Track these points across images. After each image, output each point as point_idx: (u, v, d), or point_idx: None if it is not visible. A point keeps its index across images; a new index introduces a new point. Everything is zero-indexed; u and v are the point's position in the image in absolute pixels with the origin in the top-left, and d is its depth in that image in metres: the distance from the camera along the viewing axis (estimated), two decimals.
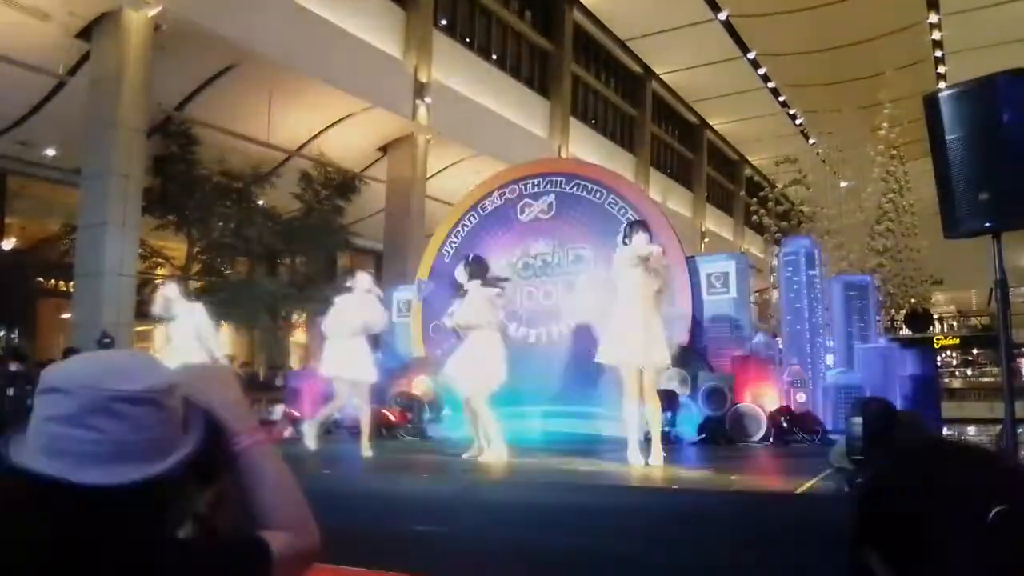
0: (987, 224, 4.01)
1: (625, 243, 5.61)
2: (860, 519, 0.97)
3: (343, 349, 6.75)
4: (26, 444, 0.99)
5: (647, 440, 5.74)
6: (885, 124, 18.95)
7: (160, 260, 14.23)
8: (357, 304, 6.82)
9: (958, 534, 0.87)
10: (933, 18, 19.95)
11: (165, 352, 6.99)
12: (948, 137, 4.04)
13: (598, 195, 8.33)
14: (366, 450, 6.58)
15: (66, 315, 13.23)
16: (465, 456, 6.18)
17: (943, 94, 4.15)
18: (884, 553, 0.92)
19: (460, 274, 6.43)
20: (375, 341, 8.98)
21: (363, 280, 6.92)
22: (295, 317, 16.05)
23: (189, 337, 7.03)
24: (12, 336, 10.18)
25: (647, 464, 5.43)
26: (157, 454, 1.02)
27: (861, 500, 0.99)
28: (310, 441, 6.64)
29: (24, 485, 0.97)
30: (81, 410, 0.98)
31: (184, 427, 1.08)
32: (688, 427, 7.31)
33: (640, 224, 5.80)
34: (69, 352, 11.02)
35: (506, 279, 6.45)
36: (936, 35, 20.75)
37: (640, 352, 5.44)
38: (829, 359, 8.08)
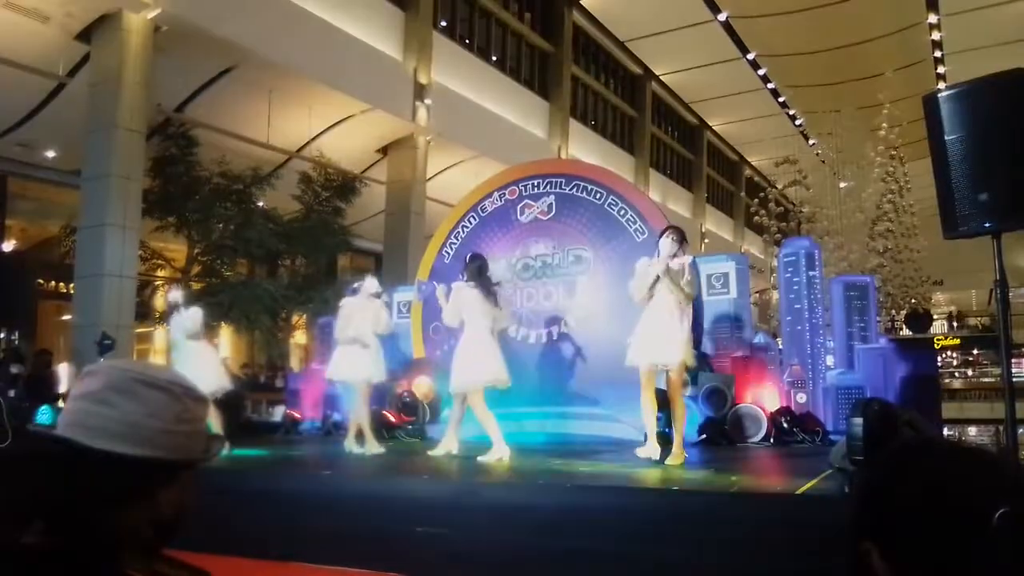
0: (987, 225, 4.02)
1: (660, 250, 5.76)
2: (860, 516, 0.96)
3: (353, 352, 6.81)
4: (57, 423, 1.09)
5: (663, 439, 5.77)
6: (885, 125, 18.97)
7: (160, 262, 14.22)
8: (362, 308, 6.88)
9: (959, 534, 0.87)
10: (932, 18, 19.95)
11: (172, 357, 7.10)
12: (948, 137, 4.05)
13: (598, 196, 8.33)
14: (356, 447, 6.66)
15: (66, 317, 13.24)
16: (431, 453, 6.22)
17: (943, 94, 4.15)
18: (884, 550, 0.91)
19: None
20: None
21: (370, 284, 7.01)
22: (295, 318, 16.05)
23: (198, 340, 7.12)
24: (12, 338, 10.17)
25: (661, 463, 5.48)
26: (168, 447, 1.09)
27: (861, 496, 0.99)
28: (352, 446, 6.76)
29: (43, 449, 1.07)
30: (105, 388, 1.07)
31: (205, 439, 1.17)
32: (688, 427, 7.30)
33: (674, 231, 5.88)
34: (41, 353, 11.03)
35: (496, 283, 6.53)
36: (936, 35, 20.75)
37: (644, 352, 5.55)
38: (829, 360, 8.08)
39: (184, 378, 1.15)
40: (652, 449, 5.62)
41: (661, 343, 5.52)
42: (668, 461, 5.50)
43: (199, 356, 7.01)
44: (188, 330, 7.12)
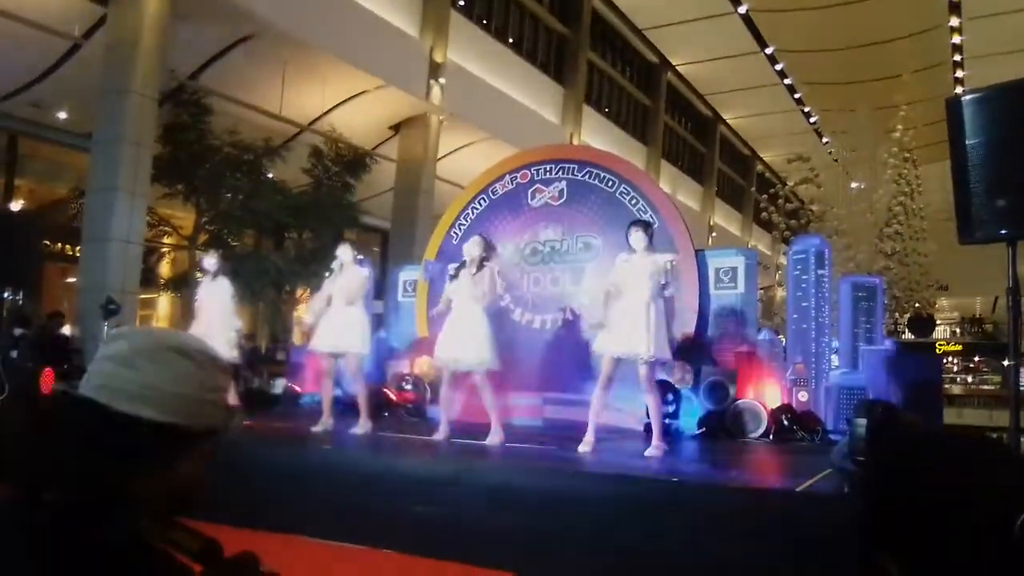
0: (1003, 231, 3.99)
1: (630, 243, 5.78)
2: (872, 522, 0.89)
3: (329, 323, 6.72)
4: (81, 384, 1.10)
5: (647, 431, 5.78)
6: (900, 126, 18.82)
7: (167, 229, 14.22)
8: (341, 276, 6.80)
9: (980, 541, 0.80)
10: (954, 22, 19.78)
11: (192, 326, 7.09)
12: (968, 142, 4.01)
13: (610, 184, 8.29)
14: (361, 428, 6.56)
15: (72, 280, 13.25)
16: (434, 438, 6.18)
17: (966, 98, 4.11)
18: (901, 557, 0.84)
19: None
20: (377, 320, 8.99)
21: (344, 252, 6.88)
22: (299, 292, 16.05)
23: (214, 310, 7.12)
24: (17, 299, 10.17)
25: (641, 455, 5.50)
26: (190, 414, 1.09)
27: (871, 500, 0.91)
28: (324, 425, 6.66)
29: (66, 408, 1.09)
30: (131, 352, 1.08)
31: (225, 408, 1.18)
32: (689, 420, 7.31)
33: (641, 225, 5.91)
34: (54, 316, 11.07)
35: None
36: (956, 39, 20.57)
37: (610, 342, 5.60)
38: (833, 359, 8.06)
39: (209, 347, 1.16)
40: (588, 442, 5.64)
41: (628, 335, 5.51)
42: (646, 453, 5.52)
43: (213, 324, 7.02)
44: (215, 297, 7.18)
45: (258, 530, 4.21)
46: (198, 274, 7.51)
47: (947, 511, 0.83)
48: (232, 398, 7.00)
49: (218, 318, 7.12)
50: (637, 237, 5.75)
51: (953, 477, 0.85)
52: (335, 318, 6.67)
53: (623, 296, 5.68)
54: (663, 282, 5.62)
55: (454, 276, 6.36)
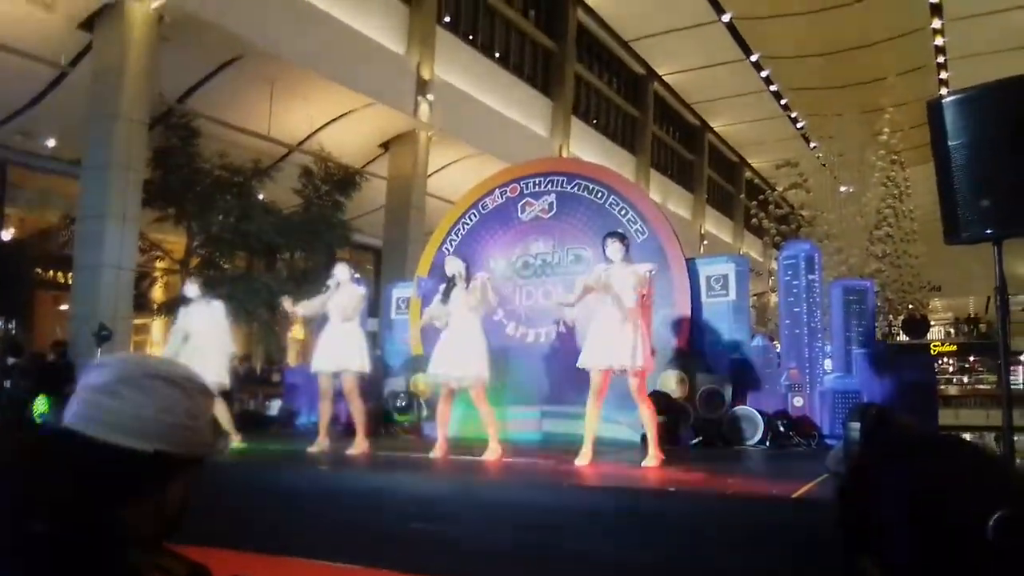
0: (988, 231, 4.01)
1: (607, 255, 5.79)
2: (851, 527, 0.90)
3: (327, 342, 6.68)
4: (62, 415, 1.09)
5: (644, 442, 5.78)
6: (886, 129, 18.98)
7: (159, 253, 14.19)
8: (338, 294, 6.76)
9: (953, 543, 0.81)
10: (936, 24, 19.96)
11: (183, 350, 7.00)
12: (951, 143, 4.03)
13: (599, 195, 8.32)
14: (357, 447, 6.51)
15: (64, 307, 13.21)
16: (431, 455, 6.16)
17: (947, 100, 4.14)
18: (882, 562, 0.85)
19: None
20: (372, 338, 8.97)
21: (341, 271, 6.85)
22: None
23: (207, 335, 7.05)
24: (9, 327, 10.13)
25: (639, 466, 5.49)
26: (177, 441, 1.09)
27: (848, 505, 0.91)
28: (320, 446, 6.61)
29: (52, 440, 1.08)
30: (115, 380, 1.07)
31: (212, 433, 1.17)
32: (685, 429, 7.31)
33: (617, 236, 5.93)
34: (57, 344, 11.03)
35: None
36: (939, 41, 20.75)
37: (594, 355, 5.58)
38: (827, 364, 8.07)
39: (194, 373, 1.16)
40: (586, 455, 5.63)
41: (611, 347, 5.50)
42: (643, 463, 5.51)
43: (206, 349, 6.93)
44: (207, 322, 7.11)
45: (255, 552, 4.19)
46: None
47: (924, 515, 0.83)
48: (227, 422, 6.97)
49: (212, 341, 7.06)
50: (614, 248, 5.76)
51: (929, 480, 0.85)
52: (333, 337, 6.65)
53: (602, 307, 5.67)
54: (643, 292, 5.63)
55: (444, 298, 6.35)
